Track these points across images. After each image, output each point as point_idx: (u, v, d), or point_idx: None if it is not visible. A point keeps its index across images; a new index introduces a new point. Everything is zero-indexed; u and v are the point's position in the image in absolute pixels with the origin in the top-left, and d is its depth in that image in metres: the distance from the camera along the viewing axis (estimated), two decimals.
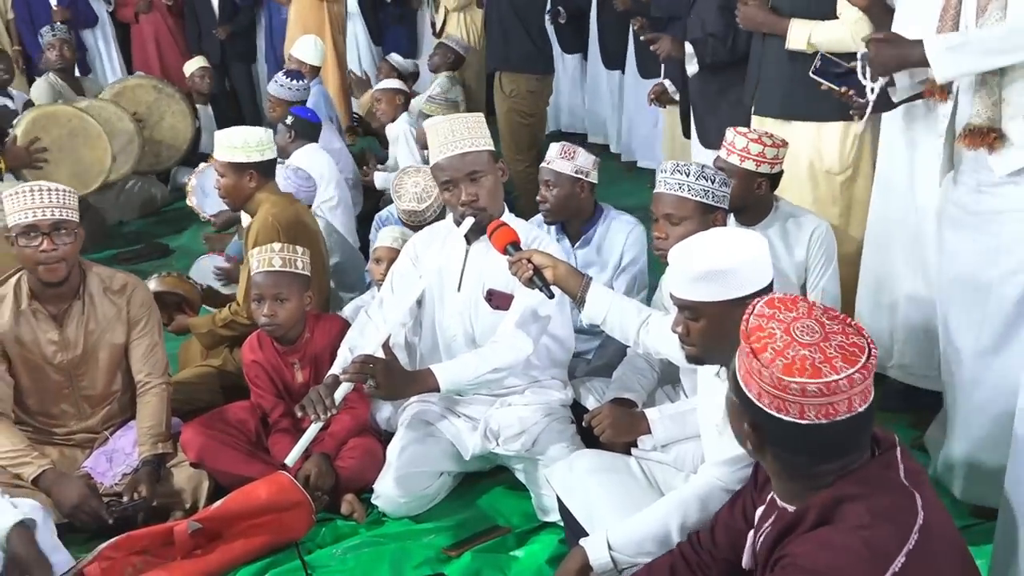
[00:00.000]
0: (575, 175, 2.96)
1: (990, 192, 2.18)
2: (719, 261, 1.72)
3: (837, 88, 2.61)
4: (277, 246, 2.73)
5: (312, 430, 2.25)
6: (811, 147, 3.01)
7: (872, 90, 2.44)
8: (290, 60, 5.49)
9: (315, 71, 5.45)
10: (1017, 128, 2.08)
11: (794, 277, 2.67)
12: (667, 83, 4.27)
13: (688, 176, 2.30)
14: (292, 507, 2.39)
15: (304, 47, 5.47)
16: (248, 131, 3.08)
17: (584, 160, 2.99)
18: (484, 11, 5.33)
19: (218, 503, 2.38)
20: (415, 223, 3.46)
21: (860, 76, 2.46)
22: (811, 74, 2.70)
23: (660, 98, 4.34)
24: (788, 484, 1.45)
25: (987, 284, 2.22)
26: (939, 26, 2.24)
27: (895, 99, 2.49)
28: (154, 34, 7.34)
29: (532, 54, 4.54)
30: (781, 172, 2.74)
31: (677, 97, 4.15)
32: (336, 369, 2.40)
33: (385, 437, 2.74)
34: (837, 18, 2.87)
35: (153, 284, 3.15)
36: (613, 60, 6.19)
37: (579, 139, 6.77)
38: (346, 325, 2.72)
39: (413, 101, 5.18)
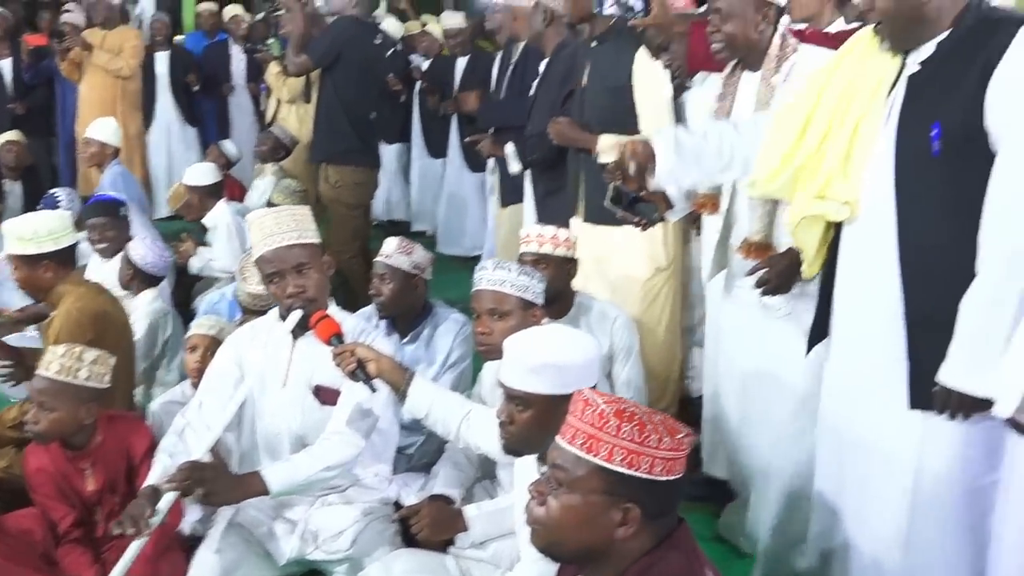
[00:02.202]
0: (411, 270, 3.00)
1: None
2: (557, 356, 1.80)
3: (630, 216, 2.76)
4: (61, 349, 2.48)
5: (135, 547, 2.09)
6: (638, 246, 3.18)
7: (653, 220, 2.63)
8: (87, 143, 5.19)
9: (116, 152, 5.21)
10: (789, 244, 2.30)
11: (599, 368, 2.80)
12: (508, 148, 4.14)
13: (510, 273, 2.39)
14: None
15: (103, 128, 5.21)
16: (39, 219, 2.89)
17: (421, 256, 3.04)
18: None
19: None
20: (259, 307, 3.34)
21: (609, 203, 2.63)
22: (606, 204, 2.82)
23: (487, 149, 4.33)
24: (600, 565, 1.45)
25: (775, 378, 2.42)
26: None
27: (671, 218, 2.74)
28: None
29: (358, 147, 4.59)
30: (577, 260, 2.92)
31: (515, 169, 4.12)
32: (154, 478, 2.25)
33: (192, 543, 2.58)
34: (639, 132, 3.07)
35: None
36: (436, 149, 6.38)
37: (403, 228, 6.86)
38: (144, 427, 2.56)
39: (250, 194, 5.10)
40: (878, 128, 1.93)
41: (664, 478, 1.37)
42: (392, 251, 3.03)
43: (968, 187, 1.77)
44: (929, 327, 1.84)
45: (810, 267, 2.15)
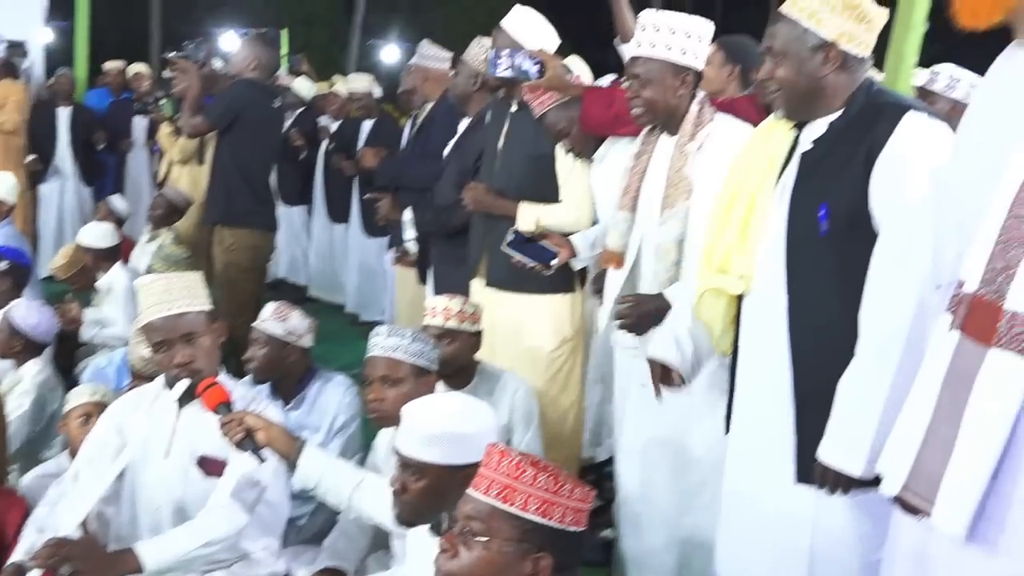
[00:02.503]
0: (285, 337, 2.93)
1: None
2: (454, 425, 1.81)
3: (527, 261, 2.81)
4: None
5: None
6: (539, 318, 3.16)
7: (551, 267, 2.74)
8: None
9: (11, 210, 5.02)
10: None
11: (496, 437, 2.80)
12: (408, 245, 4.22)
13: (404, 339, 2.39)
14: None
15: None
16: None
17: (297, 323, 2.97)
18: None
19: None
20: (152, 373, 3.21)
21: (506, 246, 2.70)
22: (504, 247, 2.85)
23: (402, 261, 4.37)
24: None
25: (677, 446, 2.45)
26: (620, 203, 2.57)
27: (575, 265, 2.82)
28: None
29: (254, 208, 4.53)
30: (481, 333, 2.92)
31: (410, 236, 4.13)
32: (19, 555, 2.13)
33: None
34: (560, 202, 3.11)
35: None
36: (338, 213, 6.34)
37: (300, 292, 6.77)
38: (19, 500, 2.43)
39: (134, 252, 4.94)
40: (772, 203, 1.97)
41: (574, 529, 1.41)
42: (267, 316, 2.96)
43: (854, 268, 1.81)
44: (815, 404, 1.86)
45: (718, 343, 2.17)
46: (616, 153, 2.93)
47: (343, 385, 3.03)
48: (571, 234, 2.93)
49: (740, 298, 2.06)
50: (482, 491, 1.42)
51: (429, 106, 4.53)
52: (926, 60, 3.98)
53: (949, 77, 3.85)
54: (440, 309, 2.83)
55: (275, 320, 2.95)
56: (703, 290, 2.10)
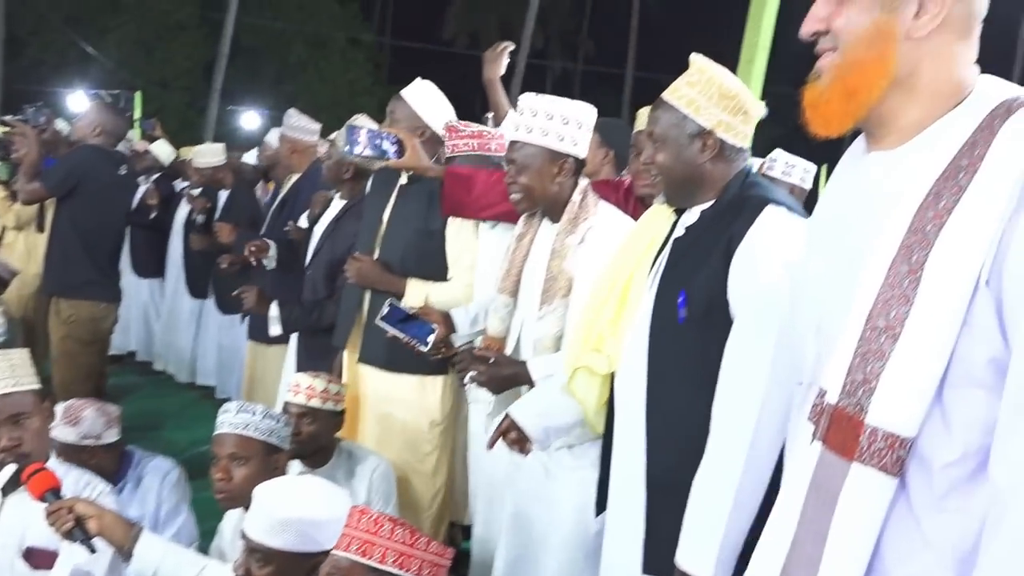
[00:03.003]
0: (80, 442, 2.64)
1: (546, 453, 2.34)
2: (306, 512, 1.75)
3: (401, 336, 2.70)
4: None
5: None
6: (410, 398, 3.03)
7: (427, 343, 2.66)
8: None
9: None
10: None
11: None
12: (272, 310, 3.81)
13: (254, 416, 2.32)
14: None
15: None
16: None
17: (91, 424, 2.67)
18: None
19: None
20: None
21: (380, 320, 2.64)
22: (378, 321, 2.73)
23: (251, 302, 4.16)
24: None
25: (543, 530, 2.37)
26: (500, 287, 2.54)
27: (455, 342, 2.73)
28: None
29: (95, 279, 4.31)
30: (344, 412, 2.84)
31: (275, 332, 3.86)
32: None
33: None
34: (448, 280, 2.97)
35: None
36: (197, 288, 6.09)
37: (145, 366, 6.46)
38: None
39: None
40: (644, 287, 1.99)
41: None
42: (57, 421, 2.61)
43: (711, 358, 1.78)
44: (665, 494, 1.85)
45: (592, 423, 2.15)
46: (503, 228, 2.89)
47: (162, 469, 2.81)
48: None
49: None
50: (343, 549, 1.49)
51: (295, 178, 4.44)
52: (764, 146, 4.29)
53: (785, 163, 4.17)
54: (304, 387, 2.73)
55: (65, 425, 2.64)
56: (576, 367, 2.09)
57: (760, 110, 1.95)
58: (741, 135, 1.91)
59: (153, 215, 6.19)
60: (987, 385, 1.05)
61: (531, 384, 2.37)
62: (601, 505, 2.11)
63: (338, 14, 23.82)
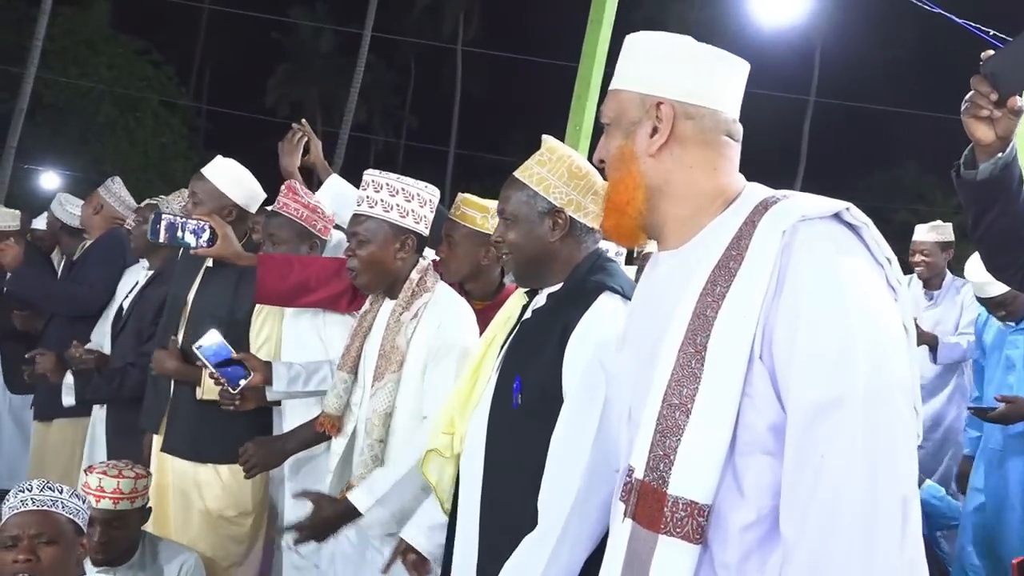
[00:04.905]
0: None
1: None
2: None
3: (215, 373, 2.64)
4: None
5: None
6: (217, 486, 2.89)
7: (238, 385, 2.62)
8: None
9: None
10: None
11: None
12: (67, 379, 3.41)
13: (62, 494, 2.13)
14: None
15: None
16: None
17: None
18: None
19: None
20: None
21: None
22: (195, 348, 2.66)
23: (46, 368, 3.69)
24: None
25: None
26: (340, 363, 2.46)
27: (269, 397, 2.68)
28: None
29: None
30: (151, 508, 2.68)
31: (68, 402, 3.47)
32: None
33: None
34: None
35: None
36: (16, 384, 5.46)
37: None
38: None
39: None
40: (490, 372, 1.95)
41: None
42: None
43: (544, 447, 1.74)
44: None
45: (443, 504, 2.07)
46: (312, 313, 2.80)
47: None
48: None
49: None
50: None
51: (88, 243, 4.11)
52: None
53: (615, 254, 4.39)
54: (109, 491, 2.53)
55: None
56: (428, 449, 2.05)
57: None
58: (591, 215, 1.90)
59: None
60: (771, 451, 1.16)
61: (359, 515, 2.24)
62: None
63: (151, 76, 22.95)
